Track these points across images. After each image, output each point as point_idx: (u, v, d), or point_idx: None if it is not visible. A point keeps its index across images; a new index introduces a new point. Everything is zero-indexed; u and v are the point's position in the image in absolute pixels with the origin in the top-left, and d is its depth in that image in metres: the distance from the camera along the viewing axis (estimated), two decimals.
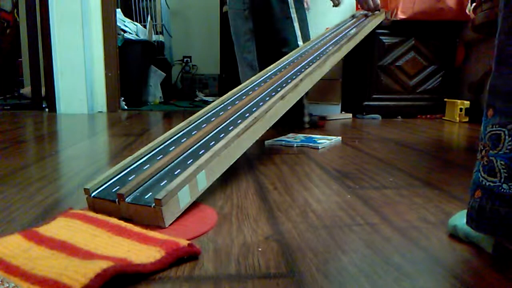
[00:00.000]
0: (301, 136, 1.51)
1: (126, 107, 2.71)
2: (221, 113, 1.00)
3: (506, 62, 0.50)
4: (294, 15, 1.75)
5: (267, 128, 1.00)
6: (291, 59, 1.48)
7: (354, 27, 1.86)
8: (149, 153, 0.82)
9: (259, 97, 1.08)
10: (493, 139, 0.50)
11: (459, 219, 0.59)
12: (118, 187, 0.68)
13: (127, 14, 3.26)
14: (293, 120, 1.79)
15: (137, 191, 0.66)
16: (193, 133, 0.89)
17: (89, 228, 0.58)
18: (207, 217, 0.67)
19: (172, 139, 0.88)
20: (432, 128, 1.86)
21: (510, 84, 0.49)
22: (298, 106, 1.77)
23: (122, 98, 2.68)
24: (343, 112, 2.28)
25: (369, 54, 2.22)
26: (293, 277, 0.47)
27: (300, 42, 1.75)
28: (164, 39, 3.61)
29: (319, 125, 1.83)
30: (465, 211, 0.61)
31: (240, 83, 1.26)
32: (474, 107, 2.06)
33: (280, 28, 1.75)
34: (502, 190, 0.48)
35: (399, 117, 2.27)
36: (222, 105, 1.07)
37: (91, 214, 0.63)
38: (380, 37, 2.20)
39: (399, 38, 2.21)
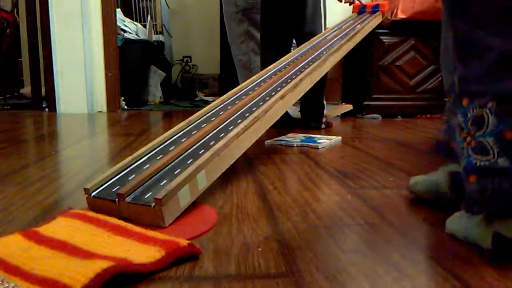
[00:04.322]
0: (301, 136, 1.51)
1: (126, 107, 2.71)
2: (221, 113, 1.00)
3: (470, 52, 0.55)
4: (322, 10, 1.75)
5: (267, 128, 1.00)
6: (291, 59, 1.48)
7: (354, 27, 1.86)
8: (149, 153, 0.82)
9: (259, 97, 1.08)
10: (476, 122, 0.52)
11: (457, 220, 0.59)
12: (118, 187, 0.68)
13: (127, 14, 3.26)
14: (310, 121, 1.79)
15: (137, 190, 0.66)
16: (193, 132, 0.89)
17: (89, 228, 0.58)
18: (207, 217, 0.67)
19: (172, 139, 0.88)
20: (432, 128, 1.86)
21: (477, 69, 0.53)
22: (318, 108, 1.77)
23: (122, 98, 2.68)
24: (342, 104, 2.26)
25: (369, 54, 2.22)
26: (293, 277, 0.47)
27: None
28: (164, 39, 3.61)
29: (330, 126, 1.82)
30: (462, 212, 0.61)
31: (239, 83, 1.26)
32: None
33: (310, 22, 1.74)
34: (498, 165, 0.50)
35: (399, 117, 2.27)
36: (222, 105, 1.07)
37: (91, 214, 0.63)
38: (380, 37, 2.20)
39: (399, 38, 2.21)
